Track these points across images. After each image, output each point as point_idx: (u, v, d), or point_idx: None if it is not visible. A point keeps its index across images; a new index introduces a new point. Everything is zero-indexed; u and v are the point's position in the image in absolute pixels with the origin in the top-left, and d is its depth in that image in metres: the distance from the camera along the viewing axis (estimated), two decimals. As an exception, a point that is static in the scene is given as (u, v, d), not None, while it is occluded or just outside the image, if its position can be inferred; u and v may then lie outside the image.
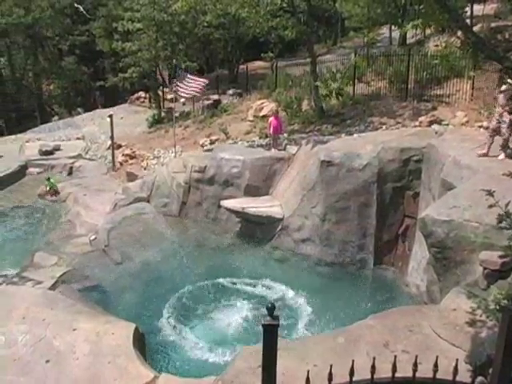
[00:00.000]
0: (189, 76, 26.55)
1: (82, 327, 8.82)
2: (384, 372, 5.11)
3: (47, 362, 8.07)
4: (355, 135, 20.62)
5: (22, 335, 8.55)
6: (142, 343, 9.23)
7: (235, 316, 14.96)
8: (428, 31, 26.96)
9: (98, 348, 8.37)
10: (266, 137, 22.74)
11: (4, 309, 9.42)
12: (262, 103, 27.28)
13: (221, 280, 17.22)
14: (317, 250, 17.59)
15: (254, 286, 16.71)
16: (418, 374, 5.03)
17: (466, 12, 27.61)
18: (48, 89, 56.98)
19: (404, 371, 5.04)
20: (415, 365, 5.07)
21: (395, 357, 5.00)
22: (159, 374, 8.21)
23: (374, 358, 4.98)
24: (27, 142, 35.40)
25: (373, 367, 4.91)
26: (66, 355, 8.18)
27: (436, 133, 18.73)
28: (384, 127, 21.26)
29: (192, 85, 25.96)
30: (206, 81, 26.70)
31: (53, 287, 15.74)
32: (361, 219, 17.12)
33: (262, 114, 26.39)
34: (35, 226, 24.52)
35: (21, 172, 30.28)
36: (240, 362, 8.40)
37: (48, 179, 27.16)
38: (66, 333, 8.64)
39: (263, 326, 5.15)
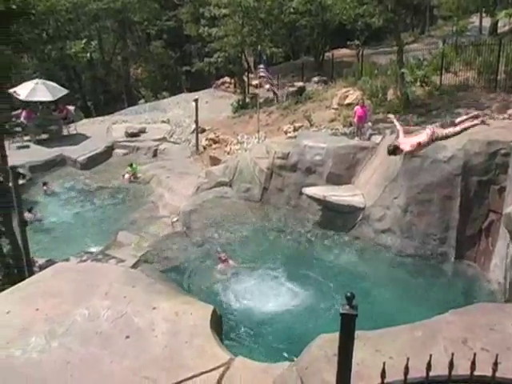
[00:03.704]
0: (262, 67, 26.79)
1: (161, 306, 9.02)
2: (462, 369, 5.07)
3: (127, 337, 8.30)
4: (441, 126, 20.21)
5: (104, 310, 8.82)
6: (219, 325, 9.37)
7: (312, 305, 15.06)
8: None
9: (176, 327, 8.55)
10: (350, 125, 22.58)
11: (88, 284, 9.74)
12: (347, 91, 27.05)
13: (299, 267, 17.30)
14: (397, 241, 17.42)
15: (332, 275, 16.71)
16: (497, 374, 4.96)
17: None
18: (135, 72, 58.19)
19: (482, 370, 5.00)
20: (495, 364, 4.99)
21: (474, 354, 4.94)
22: (235, 357, 8.35)
23: (453, 354, 4.96)
24: (114, 123, 36.42)
25: (451, 363, 4.89)
26: (145, 332, 8.40)
27: (526, 126, 18.16)
28: (471, 119, 20.72)
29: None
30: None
31: (135, 266, 16.28)
32: (443, 212, 16.81)
33: (346, 102, 26.17)
34: (119, 206, 25.30)
35: (107, 153, 31.28)
36: (315, 350, 8.45)
37: (131, 165, 27.91)
38: (145, 311, 8.87)
39: (341, 314, 5.18)
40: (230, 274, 17.15)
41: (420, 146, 13.22)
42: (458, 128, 13.33)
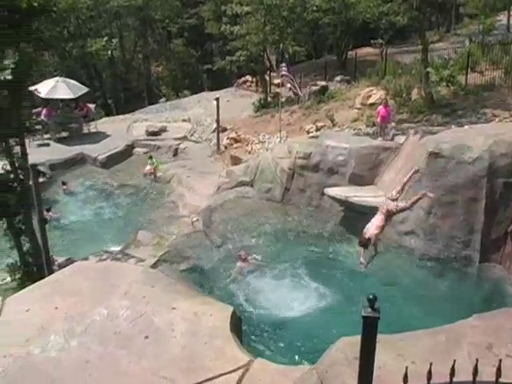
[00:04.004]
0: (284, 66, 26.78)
1: (180, 306, 9.05)
2: (486, 376, 5.03)
3: (146, 337, 8.34)
4: (466, 127, 20.05)
5: (123, 310, 8.87)
6: (238, 327, 9.38)
7: (332, 307, 15.04)
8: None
9: (195, 328, 8.57)
10: (374, 125, 22.50)
11: (108, 284, 9.80)
12: (370, 91, 26.96)
13: (320, 269, 17.26)
14: (420, 243, 17.29)
15: (353, 277, 16.64)
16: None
17: None
18: (156, 70, 58.40)
19: (508, 377, 4.94)
20: (521, 370, 4.94)
21: (500, 361, 4.89)
22: (254, 359, 8.35)
23: (477, 360, 4.92)
24: (135, 122, 36.60)
25: (475, 369, 4.85)
26: (164, 333, 8.43)
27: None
28: (497, 119, 20.60)
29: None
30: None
31: (154, 266, 16.32)
32: (468, 214, 16.65)
33: (369, 101, 26.09)
34: (139, 205, 25.44)
35: (127, 151, 31.41)
36: (336, 353, 8.42)
37: (150, 157, 28.03)
38: (165, 311, 8.90)
39: (363, 317, 5.16)
40: (249, 273, 17.22)
41: (383, 227, 14.54)
42: (408, 204, 14.67)
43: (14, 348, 8.10)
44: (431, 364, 4.88)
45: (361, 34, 41.14)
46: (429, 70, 23.05)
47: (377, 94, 26.23)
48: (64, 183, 27.06)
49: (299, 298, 15.70)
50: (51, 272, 14.74)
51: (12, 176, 16.35)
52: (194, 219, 20.69)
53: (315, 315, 14.86)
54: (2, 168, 16.45)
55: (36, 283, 10.64)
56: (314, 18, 35.83)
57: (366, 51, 40.93)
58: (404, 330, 8.73)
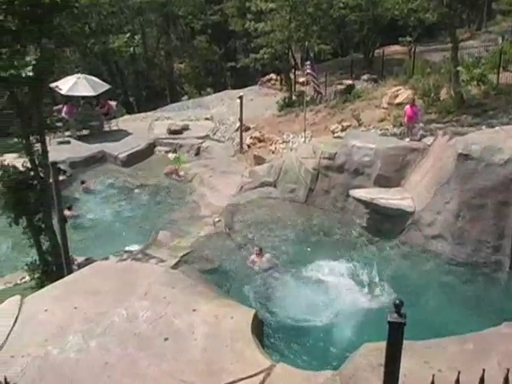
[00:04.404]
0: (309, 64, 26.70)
1: (201, 308, 9.08)
2: (516, 385, 4.97)
3: (166, 339, 8.38)
4: (497, 128, 19.82)
5: (143, 311, 8.93)
6: (260, 330, 9.40)
7: (356, 311, 14.99)
8: None
9: (216, 330, 8.60)
10: (401, 125, 22.36)
11: (127, 284, 9.87)
12: (398, 90, 26.79)
13: (344, 272, 17.19)
14: (448, 247, 17.15)
15: (379, 281, 16.57)
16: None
17: None
18: (179, 68, 58.46)
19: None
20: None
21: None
22: (276, 363, 8.34)
23: (508, 370, 4.86)
24: (156, 120, 36.72)
25: (506, 380, 4.79)
26: (184, 335, 8.46)
27: None
28: (529, 121, 20.35)
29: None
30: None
31: (175, 266, 16.38)
32: (498, 218, 16.47)
33: (397, 101, 25.92)
34: (160, 205, 25.53)
35: (149, 150, 31.55)
36: (359, 359, 8.41)
37: (174, 151, 28.03)
38: (185, 313, 8.94)
39: (389, 323, 5.13)
40: (267, 274, 17.35)
41: None
42: None
43: (32, 348, 8.18)
44: (459, 373, 4.84)
45: (388, 32, 40.80)
46: (459, 68, 22.84)
47: (404, 94, 26.06)
48: (83, 182, 27.24)
49: (321, 301, 15.65)
50: (70, 271, 14.85)
51: (32, 174, 16.48)
52: (216, 220, 20.73)
53: (338, 320, 14.79)
54: (23, 165, 16.59)
55: (55, 283, 10.75)
56: (341, 15, 35.60)
57: (393, 49, 40.64)
58: (431, 337, 8.67)
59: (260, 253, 17.91)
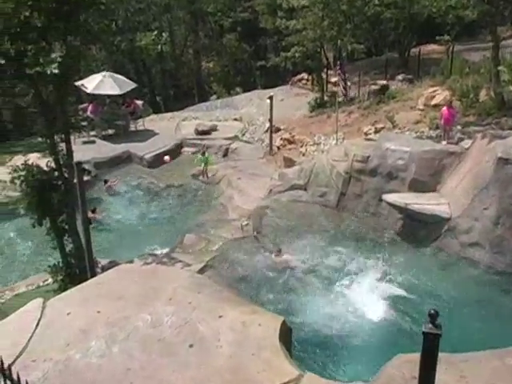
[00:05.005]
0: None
1: (227, 315, 9.06)
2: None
3: (191, 346, 8.37)
4: (540, 131, 19.65)
5: (168, 316, 8.93)
6: (288, 338, 9.35)
7: (388, 321, 14.89)
8: None
9: (242, 338, 8.57)
10: (437, 128, 22.21)
11: (152, 288, 9.89)
12: (434, 91, 26.60)
13: (376, 280, 17.09)
14: (486, 256, 16.94)
15: (413, 290, 16.43)
16: None
17: None
18: (207, 66, 58.72)
19: None
20: None
21: None
22: (304, 373, 8.30)
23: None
24: (184, 120, 36.92)
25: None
26: (210, 342, 8.45)
27: None
28: None
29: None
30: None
31: (201, 271, 16.44)
32: (540, 226, 16.30)
33: (433, 102, 25.74)
34: (187, 207, 25.62)
35: (176, 151, 31.67)
36: (392, 370, 8.34)
37: (203, 153, 28.07)
38: (211, 319, 8.93)
39: (424, 333, 5.08)
40: (283, 268, 17.69)
41: None
42: None
43: (54, 352, 8.23)
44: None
45: (425, 30, 40.51)
46: (500, 68, 22.58)
47: (441, 95, 25.87)
48: (106, 181, 27.43)
49: (352, 309, 15.59)
50: (94, 274, 14.97)
51: (56, 174, 16.65)
52: (244, 223, 20.77)
53: (369, 329, 14.72)
54: (47, 165, 16.76)
55: (78, 286, 10.82)
56: (376, 12, 35.37)
57: (430, 48, 40.37)
58: (468, 350, 8.55)
59: (279, 253, 18.19)
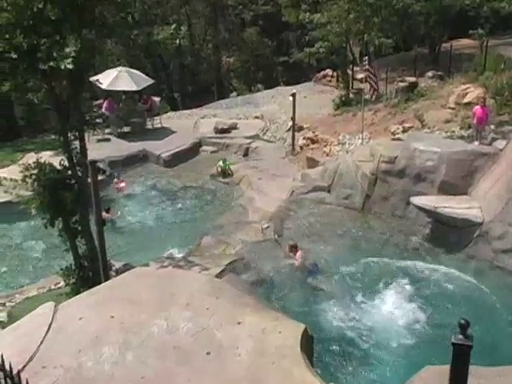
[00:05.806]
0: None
1: (246, 321, 9.04)
2: None
3: (208, 353, 8.35)
4: None
5: (185, 322, 8.92)
6: (309, 346, 9.30)
7: (416, 332, 14.82)
8: None
9: (262, 346, 8.53)
10: (469, 127, 22.06)
11: (168, 293, 9.89)
12: (467, 88, 26.41)
13: (402, 288, 16.99)
14: (520, 264, 16.86)
15: (442, 299, 16.33)
16: None
17: None
18: (227, 62, 58.75)
19: None
20: None
21: None
22: (326, 384, 8.27)
23: None
24: (202, 118, 36.90)
25: None
26: (227, 349, 8.42)
27: None
28: None
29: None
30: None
31: (219, 275, 16.41)
32: None
33: (465, 100, 25.55)
34: (205, 209, 25.64)
35: (194, 150, 31.68)
36: (420, 383, 8.29)
37: (224, 161, 28.11)
38: (229, 325, 8.91)
39: (454, 344, 5.04)
40: (304, 272, 17.85)
41: None
42: None
43: (65, 358, 8.26)
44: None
45: (457, 24, 40.21)
46: (537, 64, 22.43)
47: (474, 93, 25.67)
48: (116, 177, 27.40)
49: (377, 319, 15.53)
50: (108, 278, 15.02)
51: (69, 173, 16.69)
52: (265, 226, 20.75)
53: (396, 338, 14.65)
54: (60, 164, 16.82)
55: (91, 289, 10.85)
56: (405, 5, 35.10)
57: (462, 43, 40.09)
58: (502, 364, 8.46)
59: (295, 250, 18.34)
